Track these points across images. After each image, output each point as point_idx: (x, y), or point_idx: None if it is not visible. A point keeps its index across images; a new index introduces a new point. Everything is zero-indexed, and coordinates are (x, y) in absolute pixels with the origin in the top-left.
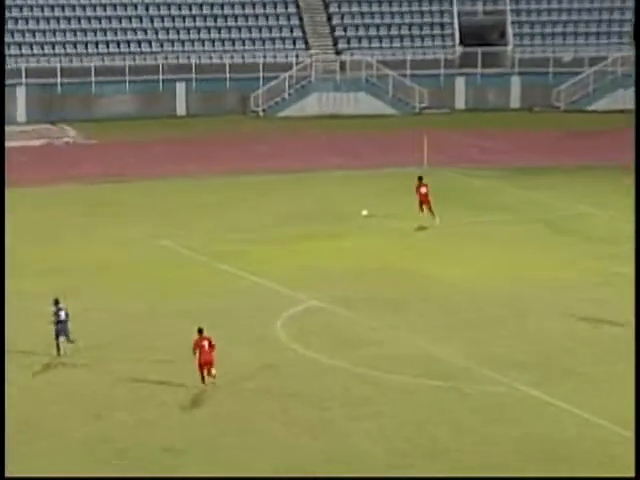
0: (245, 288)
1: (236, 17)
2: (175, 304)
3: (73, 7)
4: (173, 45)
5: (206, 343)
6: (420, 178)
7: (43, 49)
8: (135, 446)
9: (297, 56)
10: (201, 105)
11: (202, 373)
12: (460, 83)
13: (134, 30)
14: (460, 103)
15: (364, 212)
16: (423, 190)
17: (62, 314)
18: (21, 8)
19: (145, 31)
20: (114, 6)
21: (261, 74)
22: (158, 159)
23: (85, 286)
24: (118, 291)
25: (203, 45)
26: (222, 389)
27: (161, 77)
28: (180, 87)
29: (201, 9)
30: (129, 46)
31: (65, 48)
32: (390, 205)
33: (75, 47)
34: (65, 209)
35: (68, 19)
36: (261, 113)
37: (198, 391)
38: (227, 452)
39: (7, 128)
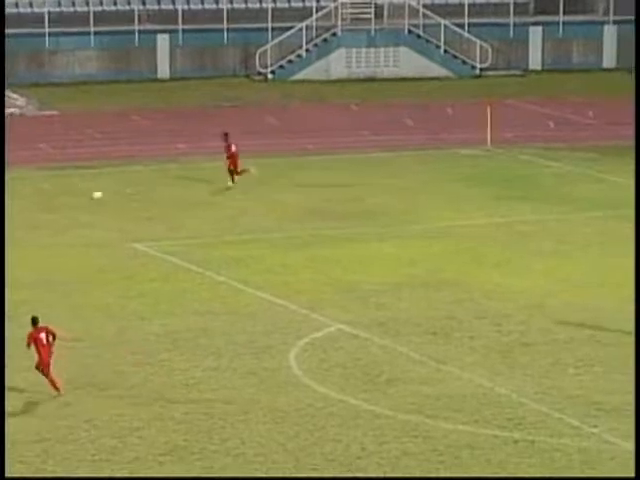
0: (248, 306)
1: None
2: (154, 326)
3: None
4: None
5: (43, 335)
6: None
7: None
8: None
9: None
10: (190, 65)
11: (48, 378)
12: (536, 35)
13: None
14: (535, 62)
15: (96, 194)
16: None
17: None
18: None
19: None
20: None
21: (269, 24)
22: (135, 136)
23: (35, 303)
24: (79, 310)
25: None
26: (210, 441)
27: (137, 27)
28: (162, 41)
29: None
30: None
31: None
32: (441, 198)
33: None
34: (13, 203)
35: None
36: (269, 76)
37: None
38: None
39: None
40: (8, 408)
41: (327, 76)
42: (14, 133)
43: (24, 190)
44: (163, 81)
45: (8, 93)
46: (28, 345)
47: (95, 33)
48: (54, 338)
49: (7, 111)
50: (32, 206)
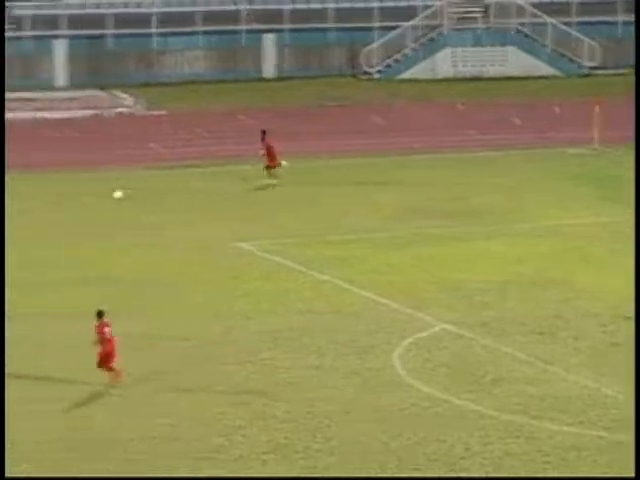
0: (351, 305)
1: None
2: (257, 325)
3: None
4: None
5: (108, 330)
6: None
7: None
8: None
9: None
10: (295, 64)
11: (107, 369)
12: None
13: None
14: None
15: (117, 194)
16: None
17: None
18: None
19: None
20: None
21: (375, 23)
22: (241, 135)
23: (141, 301)
24: (185, 309)
25: None
26: (313, 440)
27: (243, 27)
28: (268, 40)
29: None
30: None
31: None
32: (548, 196)
33: None
34: (119, 202)
35: None
36: (375, 75)
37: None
38: None
39: (42, 94)
40: (111, 406)
41: (433, 75)
42: (123, 132)
43: (127, 188)
44: (269, 80)
45: (117, 93)
46: (96, 341)
47: (203, 33)
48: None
49: (116, 110)
50: (139, 205)
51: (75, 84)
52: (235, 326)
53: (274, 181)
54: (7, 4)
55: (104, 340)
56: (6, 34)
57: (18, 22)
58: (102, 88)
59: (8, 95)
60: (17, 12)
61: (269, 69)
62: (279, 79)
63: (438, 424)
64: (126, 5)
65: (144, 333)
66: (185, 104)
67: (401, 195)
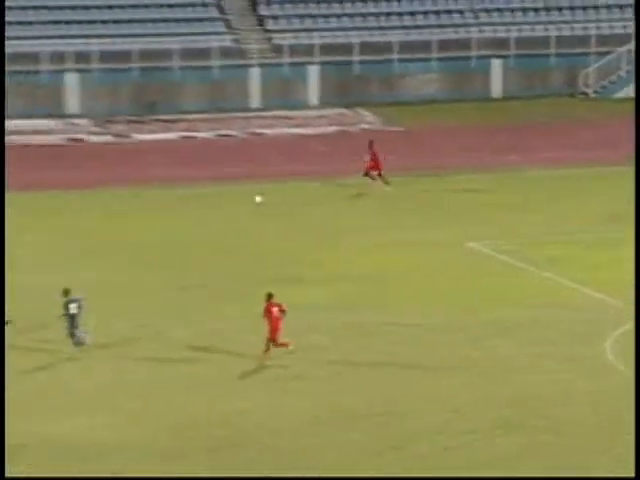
0: (569, 299)
1: None
2: (484, 316)
3: None
4: (489, 16)
5: (275, 309)
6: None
7: (340, 21)
8: None
9: None
10: (520, 85)
11: (271, 343)
12: None
13: None
14: None
15: (258, 198)
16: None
17: (72, 307)
18: None
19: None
20: None
21: (592, 49)
22: (470, 148)
23: (383, 295)
24: (417, 299)
25: (524, 15)
26: (534, 419)
27: (474, 53)
28: (496, 64)
29: None
30: (438, 17)
31: (365, 20)
32: None
33: (377, 19)
34: (353, 205)
35: None
36: (592, 94)
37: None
38: None
39: (297, 113)
40: (354, 383)
41: None
42: (365, 145)
43: (362, 194)
44: (496, 100)
45: (361, 111)
46: (264, 318)
47: (437, 59)
48: (283, 312)
49: (359, 126)
50: (369, 209)
51: (325, 103)
52: (464, 316)
53: (371, 186)
54: (268, 35)
55: (271, 318)
56: (268, 60)
57: (279, 50)
58: (348, 107)
59: (267, 114)
60: (277, 42)
61: (496, 90)
62: (505, 98)
63: None
64: (371, 34)
65: (385, 321)
66: (419, 121)
67: (609, 200)
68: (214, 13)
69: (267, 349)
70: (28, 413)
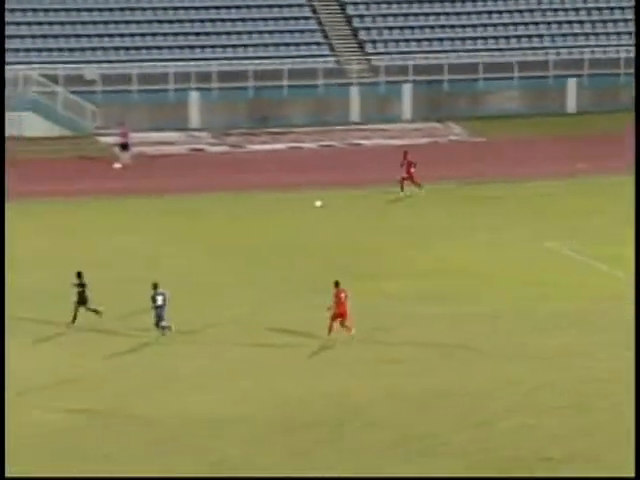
0: (630, 293)
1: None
2: (551, 307)
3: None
4: (565, 40)
5: (343, 295)
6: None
7: (431, 45)
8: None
9: None
10: (592, 101)
11: (332, 325)
12: None
13: (525, 24)
14: None
15: (317, 203)
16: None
17: (159, 299)
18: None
19: (537, 25)
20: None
21: None
22: (545, 158)
23: (462, 290)
24: (491, 293)
25: (597, 39)
26: (597, 401)
27: (551, 73)
28: (571, 83)
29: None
30: (519, 41)
31: (454, 43)
32: None
33: (463, 42)
34: (442, 207)
35: (443, 15)
36: None
37: (582, 399)
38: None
39: (392, 126)
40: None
41: None
42: (451, 155)
43: (443, 196)
44: (570, 115)
45: (450, 124)
46: (333, 303)
47: (518, 78)
48: (346, 297)
49: (448, 138)
50: (461, 211)
51: (418, 118)
52: (531, 306)
53: (403, 193)
54: (367, 57)
55: (339, 303)
56: (366, 80)
57: (376, 71)
58: (438, 121)
59: (365, 127)
60: (375, 63)
61: (571, 105)
62: (578, 113)
63: None
64: (459, 56)
65: (471, 312)
66: (501, 133)
67: None
68: (319, 38)
69: (332, 329)
70: (152, 390)
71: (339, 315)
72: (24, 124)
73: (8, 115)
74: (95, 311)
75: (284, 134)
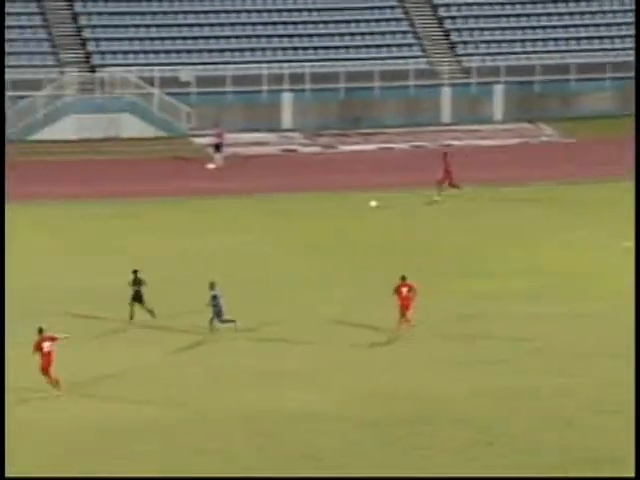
0: None
1: None
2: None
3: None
4: None
5: (405, 289)
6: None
7: (523, 45)
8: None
9: None
10: None
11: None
12: None
13: (618, 25)
14: None
15: (373, 203)
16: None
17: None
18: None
19: (629, 25)
20: None
21: None
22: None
23: (559, 288)
24: (587, 292)
25: None
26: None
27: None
28: None
29: None
30: (612, 42)
31: (546, 44)
32: None
33: (556, 43)
34: (533, 208)
35: (535, 16)
36: None
37: None
38: None
39: (484, 127)
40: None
41: None
42: (542, 156)
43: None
44: None
45: (541, 125)
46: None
47: (611, 78)
48: (413, 291)
49: (539, 139)
50: (549, 212)
51: (509, 118)
52: (625, 306)
53: (437, 197)
54: (458, 58)
55: (401, 297)
56: (457, 81)
57: (467, 72)
58: (529, 121)
59: (456, 127)
60: (466, 64)
61: None
62: None
63: None
64: (551, 57)
65: (562, 312)
66: (591, 134)
67: None
68: (411, 40)
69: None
70: (224, 386)
71: (402, 308)
72: (122, 125)
73: (107, 116)
74: (150, 312)
75: (375, 135)
